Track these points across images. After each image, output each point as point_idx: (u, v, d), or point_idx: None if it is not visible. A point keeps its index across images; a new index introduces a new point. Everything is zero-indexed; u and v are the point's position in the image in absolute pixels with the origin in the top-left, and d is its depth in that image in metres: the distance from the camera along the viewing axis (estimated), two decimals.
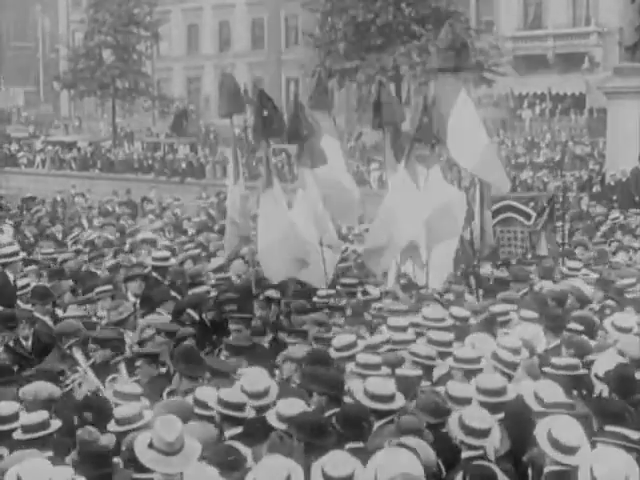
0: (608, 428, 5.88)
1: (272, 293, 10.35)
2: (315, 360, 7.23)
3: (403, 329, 8.15)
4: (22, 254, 11.93)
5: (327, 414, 6.25)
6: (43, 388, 6.66)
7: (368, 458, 5.23)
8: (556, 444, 5.36)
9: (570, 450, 5.34)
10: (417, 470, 5.07)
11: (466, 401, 6.23)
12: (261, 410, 6.22)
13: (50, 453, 5.65)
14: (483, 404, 6.17)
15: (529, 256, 12.79)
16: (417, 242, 11.00)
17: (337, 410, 6.23)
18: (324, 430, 5.70)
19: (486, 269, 12.17)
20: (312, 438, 5.59)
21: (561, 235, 14.19)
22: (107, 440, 5.77)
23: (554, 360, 7.10)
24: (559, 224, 14.10)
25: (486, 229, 12.10)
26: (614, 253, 14.12)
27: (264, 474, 4.94)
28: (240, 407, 6.10)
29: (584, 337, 8.00)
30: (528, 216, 13.10)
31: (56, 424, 5.98)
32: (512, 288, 10.72)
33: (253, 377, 6.67)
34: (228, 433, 6.03)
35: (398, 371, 6.94)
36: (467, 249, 12.32)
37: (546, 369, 7.04)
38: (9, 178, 43.46)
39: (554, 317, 8.60)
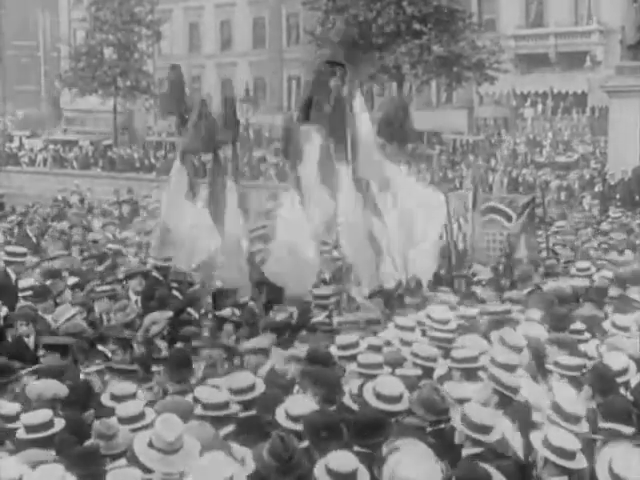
0: (602, 425, 5.90)
1: (227, 312, 9.74)
2: (316, 359, 7.22)
3: (410, 329, 8.14)
4: (29, 256, 11.99)
5: None
6: (49, 387, 6.63)
7: (371, 463, 5.23)
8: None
9: None
10: (436, 470, 5.06)
11: (466, 402, 6.24)
12: (248, 405, 6.27)
13: (53, 452, 5.62)
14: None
15: (503, 260, 12.62)
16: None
17: (332, 409, 6.22)
18: (335, 431, 5.66)
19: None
20: (322, 439, 5.56)
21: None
22: (123, 437, 5.73)
23: (559, 359, 7.08)
24: (562, 223, 14.03)
25: (476, 232, 12.05)
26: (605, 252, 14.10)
27: (204, 474, 4.86)
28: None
29: (573, 337, 7.98)
30: (509, 217, 12.99)
31: (60, 423, 5.94)
32: (518, 288, 10.66)
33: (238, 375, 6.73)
34: (221, 433, 6.02)
35: (398, 371, 6.92)
36: (454, 253, 12.30)
37: (551, 367, 7.04)
38: (10, 177, 43.45)
39: (559, 316, 8.57)
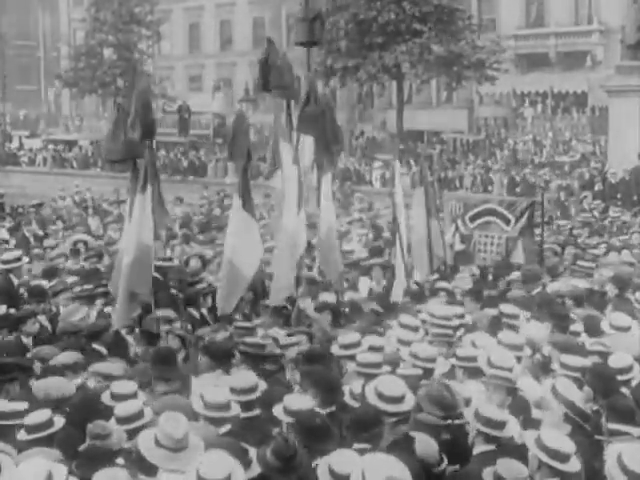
0: (610, 426, 5.85)
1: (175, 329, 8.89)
2: (313, 358, 7.20)
3: (414, 329, 8.12)
4: (26, 259, 11.99)
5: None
6: (55, 386, 6.60)
7: None
8: None
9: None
10: (403, 473, 4.98)
11: (469, 402, 6.23)
12: (248, 406, 6.26)
13: (56, 451, 5.59)
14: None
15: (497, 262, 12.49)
16: None
17: (332, 409, 6.24)
18: (325, 434, 5.63)
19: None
20: (312, 441, 5.54)
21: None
22: (117, 437, 5.71)
23: (564, 359, 7.05)
24: (564, 222, 13.89)
25: (434, 240, 11.86)
26: (605, 254, 14.03)
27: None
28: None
29: (573, 339, 7.96)
30: (507, 221, 12.88)
31: (60, 421, 5.92)
32: (524, 289, 10.62)
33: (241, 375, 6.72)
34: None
35: (399, 371, 6.90)
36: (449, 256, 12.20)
37: (556, 368, 7.02)
38: (10, 177, 43.43)
39: (561, 317, 8.55)
